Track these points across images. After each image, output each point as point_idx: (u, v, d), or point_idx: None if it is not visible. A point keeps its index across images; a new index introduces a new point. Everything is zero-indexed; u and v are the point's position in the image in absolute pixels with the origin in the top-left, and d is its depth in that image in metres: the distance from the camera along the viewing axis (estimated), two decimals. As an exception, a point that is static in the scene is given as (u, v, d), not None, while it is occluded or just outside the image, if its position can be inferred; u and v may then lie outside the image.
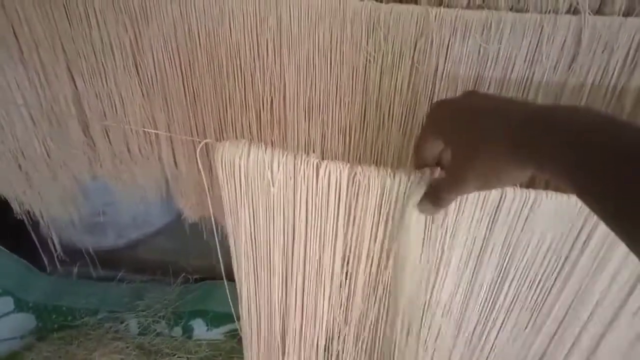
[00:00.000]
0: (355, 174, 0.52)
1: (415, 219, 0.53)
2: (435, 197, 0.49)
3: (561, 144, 0.35)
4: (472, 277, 0.61)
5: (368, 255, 0.59)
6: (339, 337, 0.69)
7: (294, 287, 0.64)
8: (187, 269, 1.50)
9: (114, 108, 0.84)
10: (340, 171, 0.52)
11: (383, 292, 0.62)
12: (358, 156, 0.77)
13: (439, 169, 0.50)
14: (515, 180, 0.43)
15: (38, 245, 1.29)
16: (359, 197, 0.51)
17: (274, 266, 0.63)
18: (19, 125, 0.90)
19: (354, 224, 0.56)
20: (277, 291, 0.65)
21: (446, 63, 0.66)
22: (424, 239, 0.56)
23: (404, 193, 0.52)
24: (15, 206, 1.05)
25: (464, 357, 0.70)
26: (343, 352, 0.70)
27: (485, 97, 0.47)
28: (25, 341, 1.36)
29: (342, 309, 0.66)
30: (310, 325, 0.68)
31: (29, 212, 1.07)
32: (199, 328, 1.39)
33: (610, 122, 0.35)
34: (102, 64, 0.79)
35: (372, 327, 0.66)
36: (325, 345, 0.71)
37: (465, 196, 0.52)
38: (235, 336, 1.35)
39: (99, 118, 0.86)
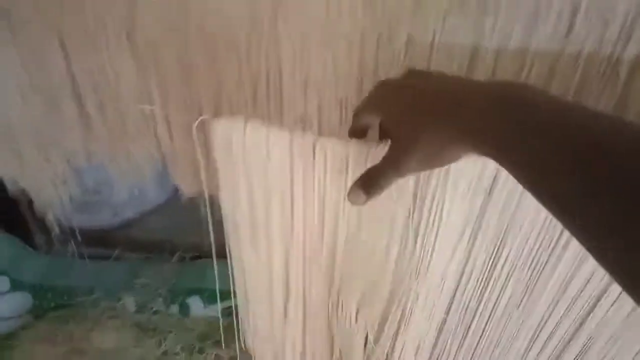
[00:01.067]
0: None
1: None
2: (370, 183, 0.46)
3: (516, 130, 0.35)
4: (466, 254, 0.61)
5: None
6: (341, 312, 0.69)
7: (294, 263, 0.64)
8: (183, 247, 1.51)
9: (108, 83, 0.83)
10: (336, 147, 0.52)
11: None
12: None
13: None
14: (456, 160, 0.43)
15: (33, 225, 1.29)
16: (356, 174, 0.52)
17: (273, 244, 0.63)
18: (10, 103, 0.88)
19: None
20: (277, 267, 0.65)
21: (442, 33, 0.65)
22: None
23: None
24: (9, 185, 1.05)
25: (458, 333, 0.71)
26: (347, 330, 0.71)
27: (430, 77, 0.46)
28: (23, 320, 1.37)
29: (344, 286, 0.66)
30: (312, 301, 0.69)
31: (23, 192, 1.06)
32: (196, 305, 1.40)
33: (559, 103, 0.35)
34: (96, 39, 0.78)
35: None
36: (327, 324, 0.71)
37: (459, 173, 0.52)
38: (231, 313, 1.36)
39: (93, 94, 0.85)
